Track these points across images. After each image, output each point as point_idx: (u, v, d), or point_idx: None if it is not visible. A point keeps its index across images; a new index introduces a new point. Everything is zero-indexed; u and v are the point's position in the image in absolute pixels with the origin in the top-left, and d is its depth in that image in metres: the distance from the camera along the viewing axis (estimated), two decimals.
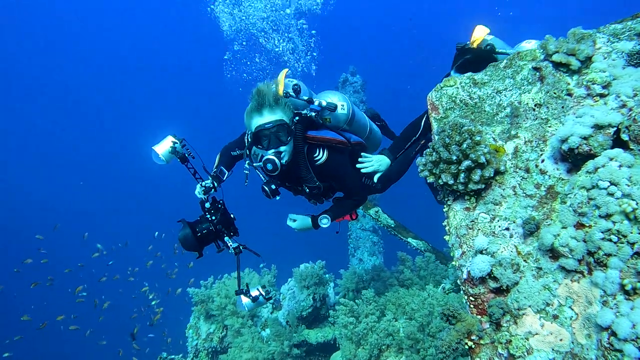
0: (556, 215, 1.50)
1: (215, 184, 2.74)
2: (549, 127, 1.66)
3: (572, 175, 1.52)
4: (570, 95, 1.65)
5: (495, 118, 1.81)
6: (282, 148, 2.65)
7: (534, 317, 1.40)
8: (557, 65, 1.71)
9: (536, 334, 1.38)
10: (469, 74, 1.94)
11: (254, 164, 2.79)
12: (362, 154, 3.13)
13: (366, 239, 8.43)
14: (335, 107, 3.04)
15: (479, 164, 1.61)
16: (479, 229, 1.62)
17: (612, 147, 1.40)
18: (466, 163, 1.61)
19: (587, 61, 1.64)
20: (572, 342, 1.32)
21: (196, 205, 2.78)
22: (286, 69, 2.99)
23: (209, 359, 5.44)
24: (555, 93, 1.68)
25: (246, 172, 2.84)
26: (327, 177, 2.95)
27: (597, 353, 1.26)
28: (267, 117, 2.59)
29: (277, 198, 2.92)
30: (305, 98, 2.95)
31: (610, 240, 1.27)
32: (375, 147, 3.67)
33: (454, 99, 1.91)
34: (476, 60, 2.64)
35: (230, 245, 2.66)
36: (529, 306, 1.41)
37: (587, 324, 1.32)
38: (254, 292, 2.76)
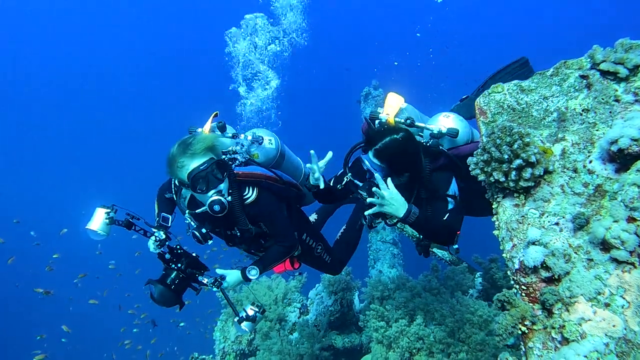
0: (605, 211, 1.59)
1: (168, 234, 2.70)
2: (597, 130, 1.76)
3: (620, 175, 1.62)
4: (617, 101, 1.76)
5: (542, 122, 1.92)
6: (221, 186, 2.54)
7: (586, 305, 1.49)
8: (605, 74, 1.82)
9: (589, 320, 1.46)
10: (515, 81, 2.06)
11: (193, 212, 2.68)
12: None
13: (386, 251, 8.46)
14: (262, 138, 2.97)
15: (530, 162, 1.72)
16: (529, 224, 1.72)
17: None
18: (517, 162, 1.72)
19: (635, 70, 1.74)
20: (625, 329, 1.41)
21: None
22: (216, 112, 2.98)
23: None
24: (603, 99, 1.79)
25: (187, 221, 2.77)
26: (256, 218, 2.78)
27: None
28: (196, 161, 2.47)
29: (210, 242, 2.80)
30: (230, 135, 2.94)
31: None
32: (313, 200, 3.34)
33: (501, 104, 2.03)
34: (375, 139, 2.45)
35: (208, 282, 2.64)
36: (581, 294, 1.50)
37: (639, 311, 1.40)
38: (250, 312, 2.74)
